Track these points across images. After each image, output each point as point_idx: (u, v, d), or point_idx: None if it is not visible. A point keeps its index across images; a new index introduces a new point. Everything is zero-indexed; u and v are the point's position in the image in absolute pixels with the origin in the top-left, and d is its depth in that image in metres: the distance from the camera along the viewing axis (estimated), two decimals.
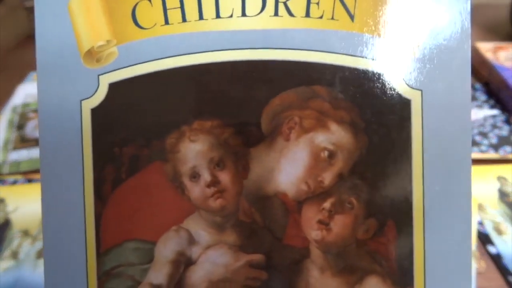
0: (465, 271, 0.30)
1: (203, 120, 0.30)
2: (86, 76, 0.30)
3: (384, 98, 0.30)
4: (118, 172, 0.30)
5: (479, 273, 0.47)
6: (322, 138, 0.30)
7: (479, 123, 0.66)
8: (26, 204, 0.57)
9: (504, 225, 0.52)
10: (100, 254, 0.30)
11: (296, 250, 0.30)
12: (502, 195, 0.55)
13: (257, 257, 0.30)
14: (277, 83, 0.30)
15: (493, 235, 0.50)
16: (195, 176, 0.30)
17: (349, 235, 0.30)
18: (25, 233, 0.53)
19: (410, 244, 0.30)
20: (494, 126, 0.66)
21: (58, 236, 0.30)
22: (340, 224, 0.30)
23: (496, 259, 0.48)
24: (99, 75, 0.30)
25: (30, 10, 0.88)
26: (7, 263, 0.50)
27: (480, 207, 0.54)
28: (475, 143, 0.61)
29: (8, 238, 0.52)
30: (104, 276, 0.30)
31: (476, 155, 0.60)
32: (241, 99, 0.30)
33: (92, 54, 0.30)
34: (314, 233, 0.30)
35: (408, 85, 0.30)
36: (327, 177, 0.30)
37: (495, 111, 0.69)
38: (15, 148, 0.66)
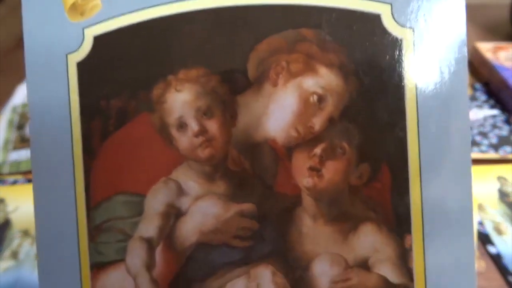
0: (465, 215, 0.28)
1: (188, 69, 0.29)
2: (71, 29, 0.30)
3: (374, 38, 0.29)
4: (106, 125, 0.30)
5: (479, 273, 0.45)
6: (310, 82, 0.29)
7: (479, 123, 0.65)
8: (26, 204, 0.56)
9: (504, 225, 0.51)
10: (90, 208, 0.30)
11: (288, 198, 0.29)
12: (502, 195, 0.54)
13: (248, 206, 0.29)
14: (262, 28, 0.29)
15: (493, 235, 0.49)
16: (182, 126, 0.30)
17: (341, 181, 0.29)
18: (25, 233, 0.53)
19: (406, 189, 0.28)
20: (494, 126, 0.65)
21: (48, 191, 0.30)
22: (332, 170, 0.29)
23: (496, 259, 0.47)
24: (84, 28, 0.30)
25: None
26: (7, 263, 0.49)
27: (480, 207, 0.53)
28: (475, 143, 0.61)
29: (8, 238, 0.52)
30: (94, 231, 0.30)
31: (476, 155, 0.59)
32: (226, 46, 0.29)
33: (76, 8, 0.30)
34: (305, 180, 0.29)
35: (398, 23, 0.29)
36: (317, 122, 0.29)
37: (495, 111, 0.68)
38: (15, 148, 0.65)
